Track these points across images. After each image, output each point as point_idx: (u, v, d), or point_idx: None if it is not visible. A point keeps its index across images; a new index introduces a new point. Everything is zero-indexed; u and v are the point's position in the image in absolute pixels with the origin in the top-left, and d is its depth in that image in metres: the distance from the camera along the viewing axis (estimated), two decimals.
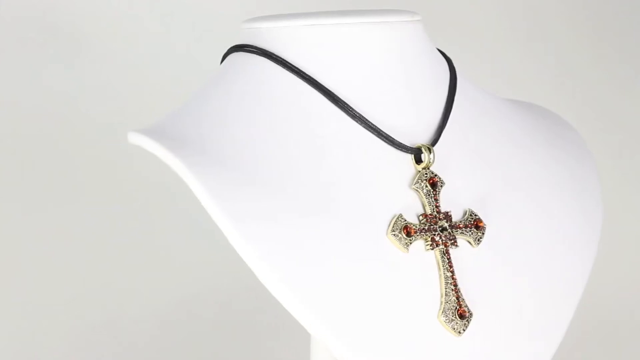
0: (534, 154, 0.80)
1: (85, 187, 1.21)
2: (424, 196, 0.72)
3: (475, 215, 0.73)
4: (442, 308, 0.70)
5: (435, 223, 0.71)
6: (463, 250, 0.72)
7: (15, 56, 1.20)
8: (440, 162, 0.73)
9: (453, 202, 0.73)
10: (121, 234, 1.21)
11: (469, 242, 0.72)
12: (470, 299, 0.71)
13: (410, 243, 0.70)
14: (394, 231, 0.70)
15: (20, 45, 1.20)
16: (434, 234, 0.71)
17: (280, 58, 0.74)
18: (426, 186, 0.72)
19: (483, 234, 0.72)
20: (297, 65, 0.74)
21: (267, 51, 0.75)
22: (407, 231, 0.70)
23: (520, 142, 0.79)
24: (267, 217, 0.67)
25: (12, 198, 1.22)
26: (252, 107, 0.73)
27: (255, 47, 0.75)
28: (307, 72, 0.73)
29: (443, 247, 0.71)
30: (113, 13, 1.22)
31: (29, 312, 1.23)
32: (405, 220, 0.70)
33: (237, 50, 0.77)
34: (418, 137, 0.73)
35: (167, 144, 0.69)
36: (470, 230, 0.72)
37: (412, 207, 0.72)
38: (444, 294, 0.70)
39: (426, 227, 0.71)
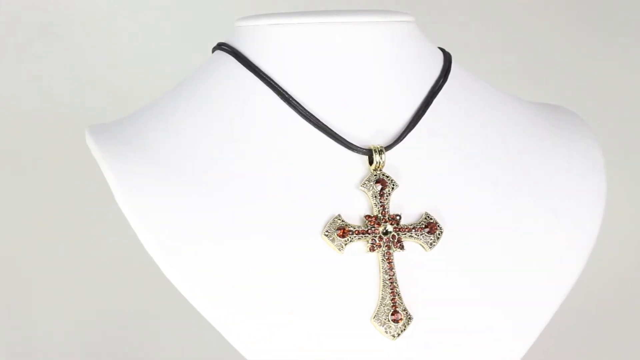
0: (531, 159, 0.76)
1: (85, 187, 1.22)
2: (370, 198, 0.71)
3: (431, 218, 0.71)
4: (376, 311, 0.69)
5: (379, 225, 0.70)
6: (415, 254, 0.71)
7: (15, 56, 1.22)
8: (405, 163, 0.72)
9: (411, 205, 0.72)
10: (120, 234, 1.22)
11: (422, 246, 0.71)
12: (415, 303, 0.69)
13: (345, 244, 0.69)
14: (327, 232, 0.69)
15: (20, 45, 1.22)
16: (375, 237, 0.70)
17: (244, 56, 0.74)
18: (373, 188, 0.71)
19: (438, 238, 0.71)
20: (257, 64, 0.74)
21: (235, 50, 0.75)
22: (343, 232, 0.69)
23: (516, 145, 0.77)
24: (171, 202, 0.69)
25: (12, 196, 1.24)
26: (208, 105, 0.74)
27: (227, 46, 0.76)
28: (265, 71, 0.73)
29: (385, 249, 0.70)
30: (113, 12, 1.23)
31: (28, 311, 1.25)
32: (343, 221, 0.70)
33: (218, 48, 0.78)
34: (383, 139, 0.72)
35: (98, 137, 0.72)
36: (421, 234, 0.70)
37: (359, 209, 0.71)
38: (380, 297, 0.69)
39: (367, 229, 0.70)
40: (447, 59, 0.78)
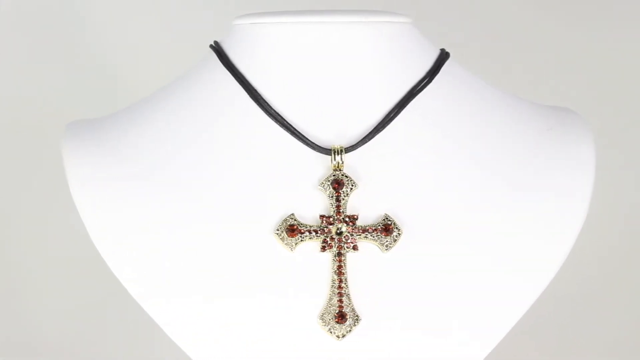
0: (518, 158, 0.74)
1: None
2: (327, 198, 0.71)
3: (389, 220, 0.70)
4: (323, 311, 0.69)
5: (332, 225, 0.70)
6: (375, 255, 0.70)
7: (15, 55, 1.23)
8: (373, 165, 0.71)
9: (374, 206, 0.71)
10: None
11: (378, 247, 0.70)
12: (375, 304, 0.69)
13: (296, 244, 0.69)
14: (277, 230, 0.69)
15: (19, 45, 1.23)
16: (327, 237, 0.70)
17: (226, 55, 0.75)
18: (329, 188, 0.71)
19: (395, 240, 0.70)
20: (241, 62, 0.74)
21: (220, 49, 0.76)
22: (294, 231, 0.69)
23: (505, 145, 0.75)
24: (120, 195, 0.71)
25: (11, 194, 1.25)
26: (190, 105, 0.75)
27: (217, 44, 0.77)
28: (246, 69, 0.73)
29: (336, 250, 0.69)
30: (113, 11, 1.24)
31: (28, 309, 1.26)
32: (296, 220, 0.70)
33: (210, 47, 0.78)
34: (350, 140, 0.72)
35: (71, 132, 0.76)
36: (377, 235, 0.70)
37: (316, 209, 0.71)
38: (328, 298, 0.69)
39: (319, 229, 0.70)
40: (440, 59, 0.76)
